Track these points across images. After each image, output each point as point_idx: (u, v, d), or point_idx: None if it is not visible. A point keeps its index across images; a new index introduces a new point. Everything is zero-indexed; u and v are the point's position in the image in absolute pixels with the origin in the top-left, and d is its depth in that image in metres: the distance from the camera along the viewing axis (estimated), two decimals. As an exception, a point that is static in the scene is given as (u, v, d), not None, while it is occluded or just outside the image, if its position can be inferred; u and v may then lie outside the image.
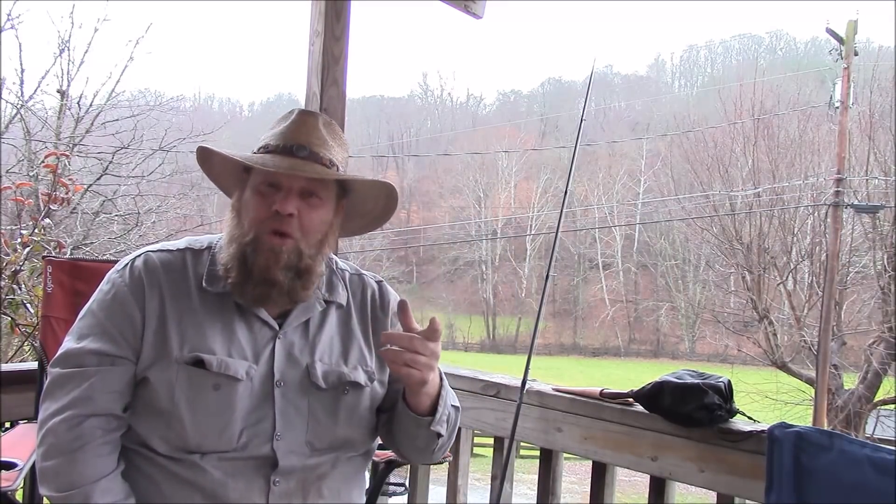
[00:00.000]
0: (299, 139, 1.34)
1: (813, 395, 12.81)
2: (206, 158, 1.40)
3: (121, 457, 1.28)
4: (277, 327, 1.34)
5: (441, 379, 1.35)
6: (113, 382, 1.27)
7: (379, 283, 1.49)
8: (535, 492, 2.26)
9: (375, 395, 1.40)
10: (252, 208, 1.32)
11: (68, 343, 1.31)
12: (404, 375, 1.27)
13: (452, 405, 1.40)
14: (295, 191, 1.31)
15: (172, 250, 1.37)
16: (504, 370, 2.49)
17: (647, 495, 2.01)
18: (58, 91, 8.93)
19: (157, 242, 1.48)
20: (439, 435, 1.37)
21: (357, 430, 1.37)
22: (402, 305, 1.33)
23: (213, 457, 1.26)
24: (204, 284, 1.33)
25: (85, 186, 7.72)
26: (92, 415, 1.25)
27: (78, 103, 9.20)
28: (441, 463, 2.16)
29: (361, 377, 1.37)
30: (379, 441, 1.49)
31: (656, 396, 1.90)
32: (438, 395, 1.35)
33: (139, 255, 1.36)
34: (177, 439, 1.27)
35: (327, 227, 1.36)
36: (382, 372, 1.42)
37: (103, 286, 1.35)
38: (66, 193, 4.05)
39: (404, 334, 1.27)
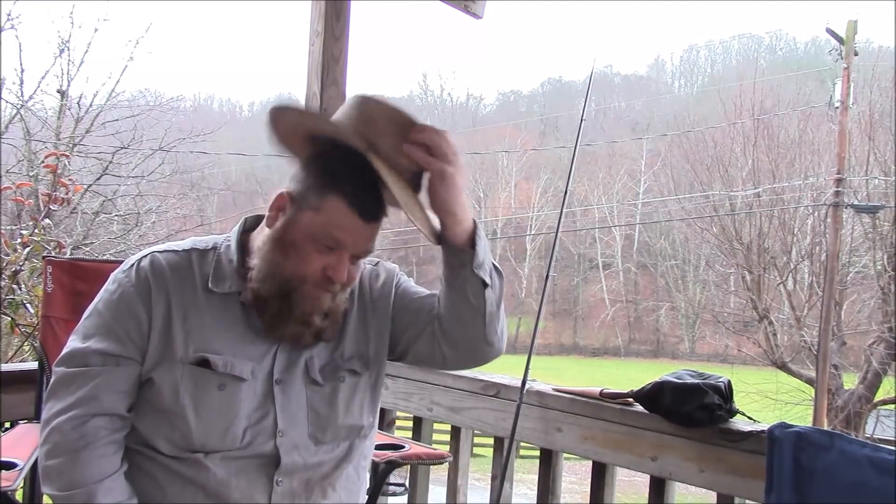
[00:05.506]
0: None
1: (813, 395, 12.81)
2: (282, 117, 1.31)
3: (124, 457, 1.28)
4: None
5: (475, 221, 1.31)
6: (118, 382, 1.27)
7: (375, 263, 1.49)
8: (535, 492, 2.26)
9: (373, 379, 1.41)
10: (304, 261, 1.26)
11: (73, 342, 1.31)
12: (429, 163, 1.24)
13: (494, 265, 1.34)
14: (353, 256, 1.29)
15: (178, 251, 1.36)
16: (504, 370, 2.49)
17: (647, 495, 2.01)
18: (58, 91, 8.95)
19: (160, 243, 1.47)
20: (485, 284, 1.30)
21: (357, 414, 1.37)
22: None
23: (217, 455, 1.27)
24: (210, 285, 1.32)
25: (85, 186, 7.73)
26: (97, 414, 1.25)
27: (78, 103, 9.22)
28: (441, 463, 2.17)
29: (357, 365, 1.38)
30: (378, 436, 1.50)
31: (656, 396, 1.90)
32: (475, 231, 1.30)
33: (145, 256, 1.35)
34: (181, 439, 1.27)
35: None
36: (382, 345, 1.42)
37: (109, 286, 1.34)
38: (66, 193, 4.05)
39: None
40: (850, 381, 13.48)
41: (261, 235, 1.32)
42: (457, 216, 1.27)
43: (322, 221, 1.25)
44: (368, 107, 1.27)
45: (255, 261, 1.30)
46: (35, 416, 2.06)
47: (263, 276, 1.28)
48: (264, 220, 1.32)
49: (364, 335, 1.41)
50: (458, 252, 1.28)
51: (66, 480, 1.23)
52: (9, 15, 7.69)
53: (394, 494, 2.43)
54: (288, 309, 1.27)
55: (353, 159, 1.25)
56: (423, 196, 1.31)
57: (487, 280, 1.30)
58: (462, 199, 1.28)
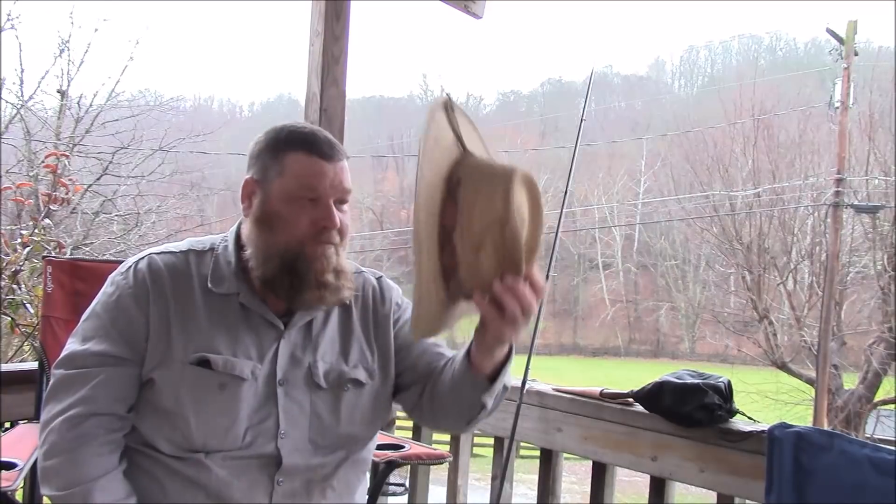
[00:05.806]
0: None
1: (813, 395, 12.80)
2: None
3: (123, 457, 1.28)
4: (283, 327, 1.34)
5: (510, 349, 1.28)
6: (117, 384, 1.27)
7: (379, 279, 1.49)
8: (535, 492, 2.26)
9: (376, 391, 1.40)
10: (292, 225, 1.27)
11: (72, 345, 1.31)
12: (494, 322, 1.16)
13: (505, 384, 1.34)
14: (336, 201, 1.30)
15: (176, 252, 1.36)
16: (504, 370, 2.49)
17: (647, 495, 2.01)
18: (58, 91, 8.94)
19: (160, 243, 1.46)
20: (483, 407, 1.31)
21: (359, 426, 1.37)
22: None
23: (218, 456, 1.27)
24: (209, 285, 1.32)
25: (85, 186, 7.71)
26: (94, 414, 1.25)
27: (78, 103, 9.22)
28: (441, 463, 2.16)
29: (362, 375, 1.38)
30: (378, 437, 1.50)
31: (656, 396, 1.91)
32: (504, 364, 1.29)
33: (143, 258, 1.35)
34: (181, 439, 1.27)
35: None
36: (387, 363, 1.42)
37: (107, 288, 1.34)
38: (66, 193, 4.06)
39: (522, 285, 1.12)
40: (850, 381, 13.47)
41: (245, 227, 1.34)
42: (492, 356, 1.26)
43: (290, 180, 1.28)
44: (506, 186, 1.10)
45: (248, 251, 1.31)
46: (35, 416, 2.05)
47: (262, 258, 1.29)
48: (242, 213, 1.34)
49: (368, 346, 1.41)
50: (474, 376, 1.29)
51: (63, 480, 1.23)
52: (9, 15, 7.69)
53: (394, 494, 2.44)
54: (299, 278, 1.27)
55: (294, 125, 1.34)
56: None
57: (489, 405, 1.32)
58: (507, 345, 1.25)
